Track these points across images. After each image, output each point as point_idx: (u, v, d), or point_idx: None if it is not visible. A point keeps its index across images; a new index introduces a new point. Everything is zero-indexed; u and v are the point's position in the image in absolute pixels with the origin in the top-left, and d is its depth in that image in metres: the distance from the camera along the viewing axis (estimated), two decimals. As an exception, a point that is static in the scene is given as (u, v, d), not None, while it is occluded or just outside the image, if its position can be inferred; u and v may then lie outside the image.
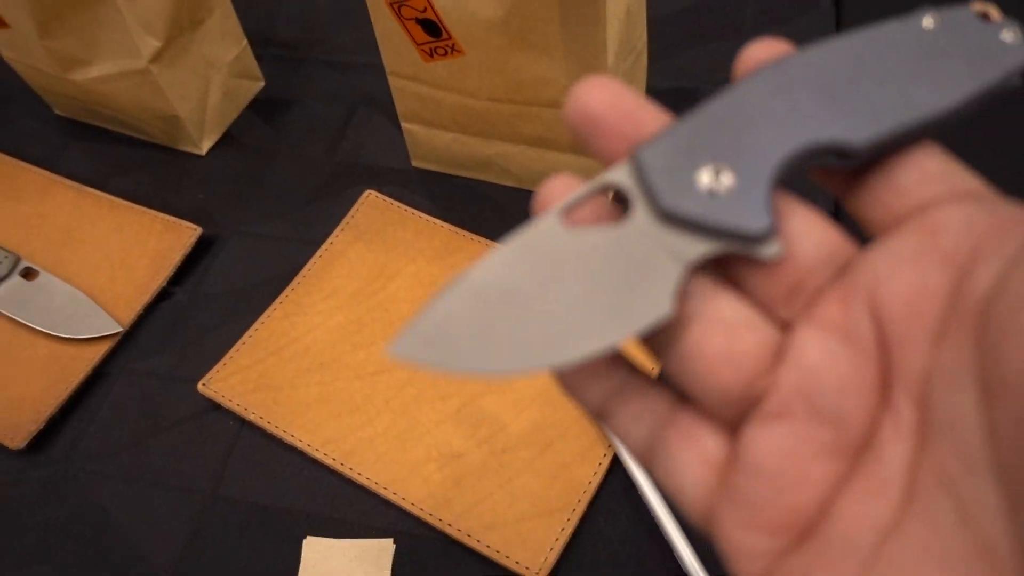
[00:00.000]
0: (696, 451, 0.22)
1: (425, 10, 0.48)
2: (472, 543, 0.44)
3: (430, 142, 0.58)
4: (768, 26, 0.63)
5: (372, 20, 0.52)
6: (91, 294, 0.55)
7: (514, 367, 0.20)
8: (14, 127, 0.66)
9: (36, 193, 0.60)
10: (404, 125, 0.58)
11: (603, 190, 0.23)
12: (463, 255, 0.54)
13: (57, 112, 0.67)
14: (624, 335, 0.21)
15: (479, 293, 0.21)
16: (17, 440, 0.48)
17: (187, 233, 0.57)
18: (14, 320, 0.53)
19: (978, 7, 0.23)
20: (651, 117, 0.23)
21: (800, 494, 0.20)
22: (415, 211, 0.56)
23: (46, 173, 0.62)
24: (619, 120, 0.23)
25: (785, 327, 0.23)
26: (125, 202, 0.60)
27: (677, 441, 0.22)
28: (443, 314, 0.21)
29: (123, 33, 0.56)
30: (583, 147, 0.24)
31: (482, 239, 0.55)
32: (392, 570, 0.43)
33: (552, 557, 0.43)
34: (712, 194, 0.21)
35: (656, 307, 0.21)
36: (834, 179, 0.24)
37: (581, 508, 0.44)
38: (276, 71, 0.67)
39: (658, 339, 0.22)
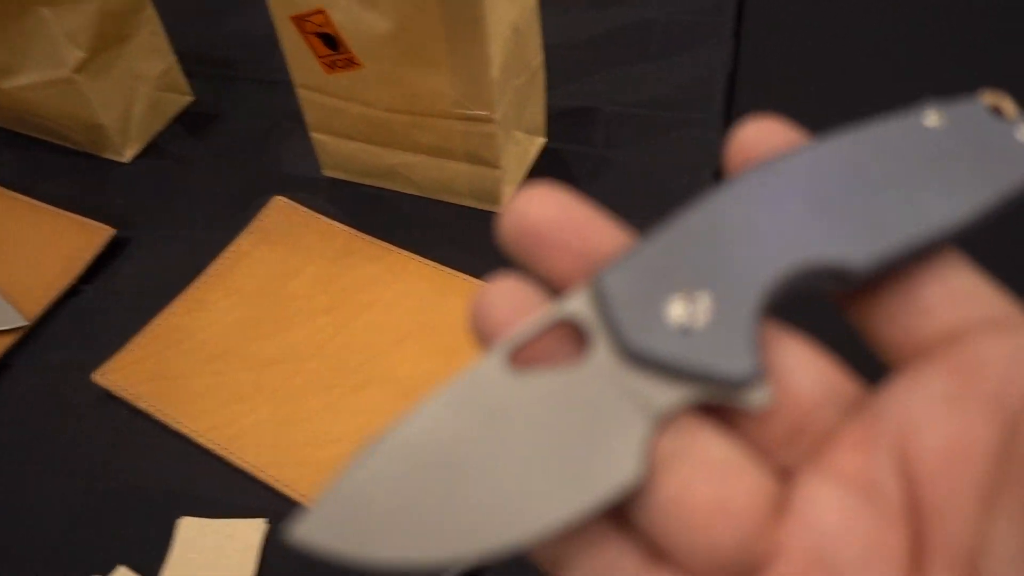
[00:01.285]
0: None
1: (324, 25, 0.48)
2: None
3: (338, 151, 0.58)
4: (672, 53, 0.64)
5: (279, 34, 0.51)
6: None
7: (447, 554, 0.16)
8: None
9: (-46, 194, 0.59)
10: (313, 135, 0.58)
11: (557, 324, 0.18)
12: (361, 256, 0.54)
13: (-16, 119, 0.66)
14: (583, 508, 0.16)
15: (405, 456, 0.16)
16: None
17: (100, 234, 0.56)
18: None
19: (990, 99, 0.19)
20: (605, 231, 0.18)
21: None
22: (319, 215, 0.56)
23: (-36, 176, 0.60)
24: (567, 235, 0.18)
25: (784, 475, 0.17)
26: (43, 204, 0.58)
27: None
28: (360, 485, 0.16)
29: (49, 43, 0.55)
30: (522, 264, 0.19)
31: (380, 242, 0.54)
32: (263, 549, 0.43)
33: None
34: (686, 330, 0.17)
35: (621, 471, 0.16)
36: (838, 293, 0.19)
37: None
38: (207, 87, 0.66)
39: None
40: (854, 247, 0.17)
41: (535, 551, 0.18)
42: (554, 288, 0.19)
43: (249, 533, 0.44)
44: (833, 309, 0.20)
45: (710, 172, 0.56)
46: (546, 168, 0.58)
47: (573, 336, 0.18)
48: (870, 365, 0.19)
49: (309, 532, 0.16)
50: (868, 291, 0.19)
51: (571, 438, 0.17)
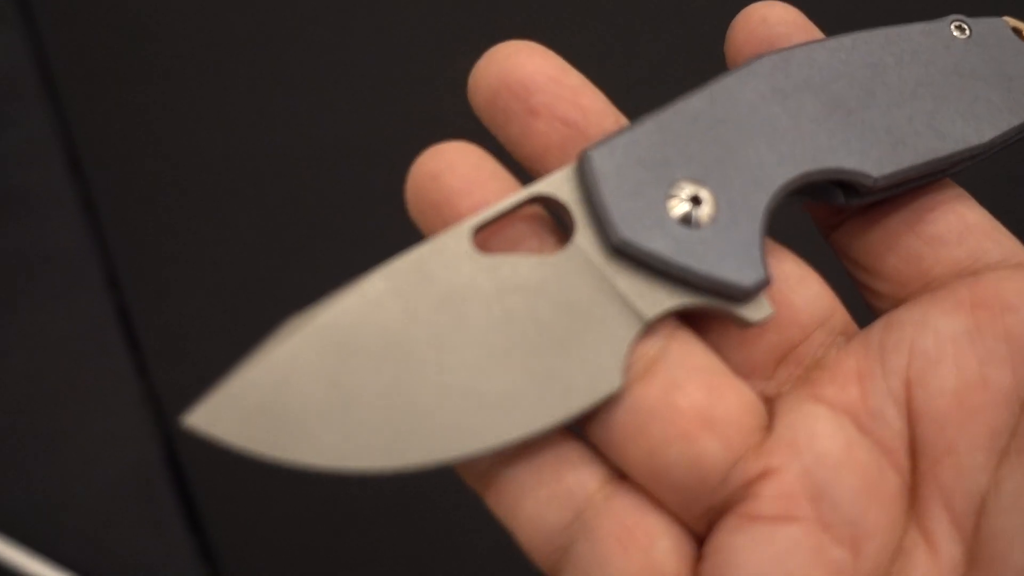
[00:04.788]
0: (642, 555, 0.14)
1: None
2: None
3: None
4: None
5: None
6: None
7: (388, 461, 0.13)
8: None
9: None
10: None
11: (534, 203, 0.15)
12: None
13: None
14: (556, 418, 0.14)
15: (341, 342, 0.14)
16: None
17: None
18: None
19: (1012, 22, 0.18)
20: (599, 104, 0.16)
21: None
22: None
23: None
24: (560, 99, 0.16)
25: (769, 403, 0.16)
26: None
27: (613, 537, 0.14)
28: (279, 370, 0.13)
29: None
30: (495, 128, 0.16)
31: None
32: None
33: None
34: (687, 227, 0.15)
35: (601, 379, 0.14)
36: (824, 214, 0.18)
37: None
38: None
39: None
40: (871, 158, 0.16)
41: (469, 469, 0.15)
42: (524, 163, 0.17)
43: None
44: (810, 242, 0.18)
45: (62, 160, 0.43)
46: None
47: (547, 227, 0.16)
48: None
49: (208, 420, 0.13)
50: (867, 218, 0.17)
51: (543, 336, 0.14)
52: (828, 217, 0.18)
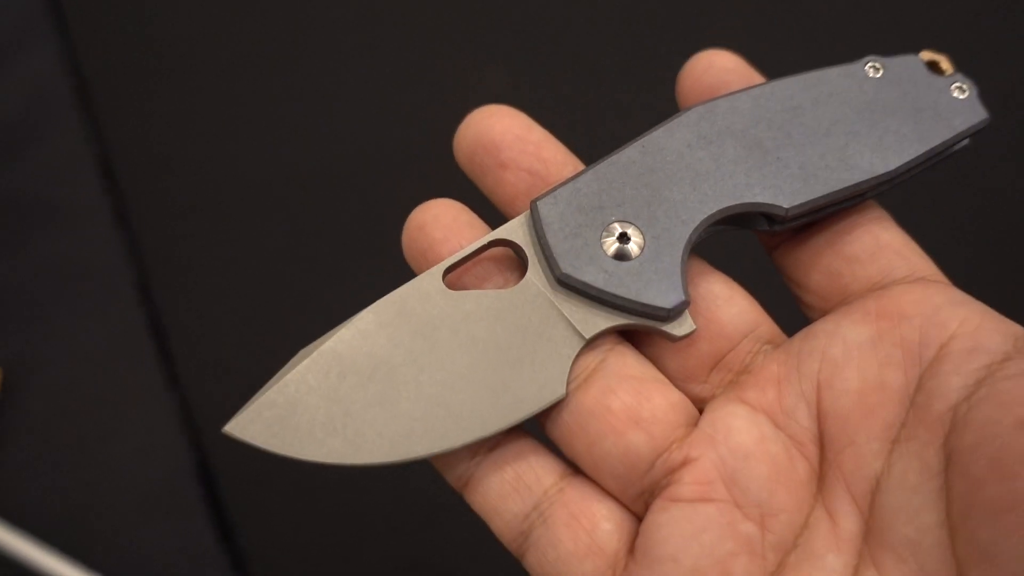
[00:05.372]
0: (586, 536, 0.17)
1: None
2: None
3: None
4: None
5: None
6: None
7: (378, 457, 0.17)
8: None
9: None
10: None
11: (494, 246, 0.18)
12: None
13: None
14: (510, 421, 0.17)
15: (341, 365, 0.17)
16: None
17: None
18: None
19: (927, 56, 0.20)
20: (559, 154, 0.19)
21: None
22: None
23: None
24: (524, 154, 0.19)
25: (698, 403, 0.18)
26: None
27: (564, 522, 0.17)
28: (294, 389, 0.17)
29: None
30: (473, 177, 0.20)
31: None
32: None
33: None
34: (618, 261, 0.17)
35: (549, 387, 0.17)
36: (765, 236, 0.20)
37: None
38: None
39: None
40: (787, 192, 0.18)
41: (447, 471, 0.18)
42: (499, 208, 0.20)
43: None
44: (761, 259, 0.21)
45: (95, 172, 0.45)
46: None
47: (510, 264, 0.19)
48: (790, 316, 0.20)
49: (241, 427, 0.17)
50: (799, 237, 0.19)
51: (503, 354, 0.17)
52: (768, 239, 0.20)
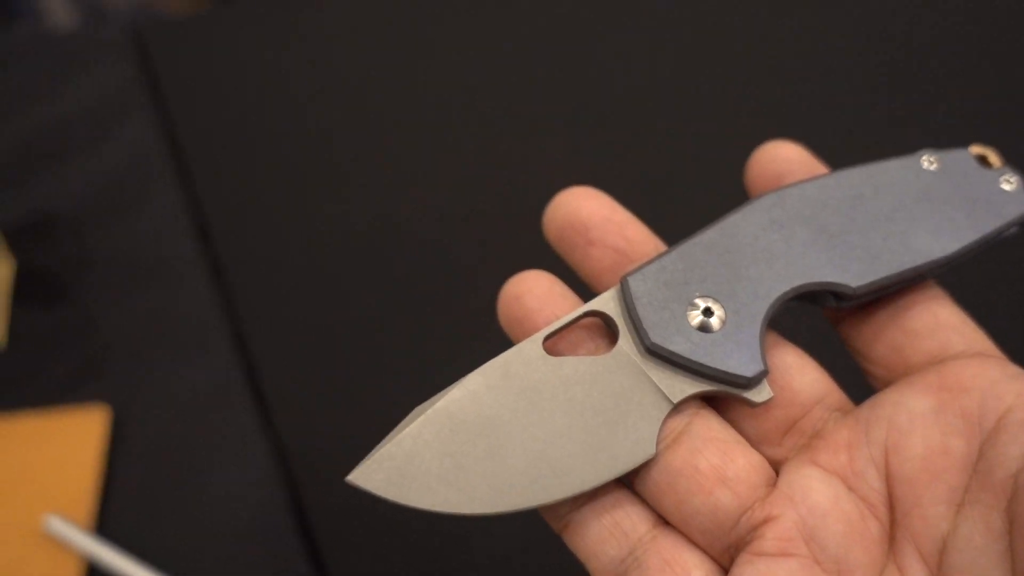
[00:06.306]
0: None
1: None
2: None
3: None
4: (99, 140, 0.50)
5: None
6: None
7: (486, 507, 0.18)
8: None
9: None
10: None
11: (590, 316, 0.20)
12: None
13: None
14: (606, 477, 0.18)
15: (452, 422, 0.19)
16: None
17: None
18: None
19: (977, 150, 0.21)
20: (641, 234, 0.21)
21: None
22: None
23: None
24: (610, 233, 0.21)
25: (775, 465, 0.20)
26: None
27: (657, 568, 0.19)
28: (411, 444, 0.18)
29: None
30: (563, 254, 0.21)
31: None
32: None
33: None
34: (702, 332, 0.19)
35: (640, 447, 0.19)
36: (831, 312, 0.21)
37: None
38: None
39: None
40: (853, 272, 0.20)
41: (550, 515, 0.20)
42: (585, 280, 0.21)
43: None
44: (828, 332, 0.22)
45: (193, 232, 0.47)
46: (27, 288, 0.45)
47: (600, 332, 0.21)
48: (855, 384, 0.22)
49: (362, 478, 0.18)
50: (863, 313, 0.21)
51: (597, 416, 0.19)
52: (834, 314, 0.22)
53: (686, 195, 0.42)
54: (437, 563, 0.35)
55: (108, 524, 0.36)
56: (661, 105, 0.49)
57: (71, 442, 0.38)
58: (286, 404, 0.39)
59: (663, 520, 0.19)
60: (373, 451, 0.18)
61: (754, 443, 0.20)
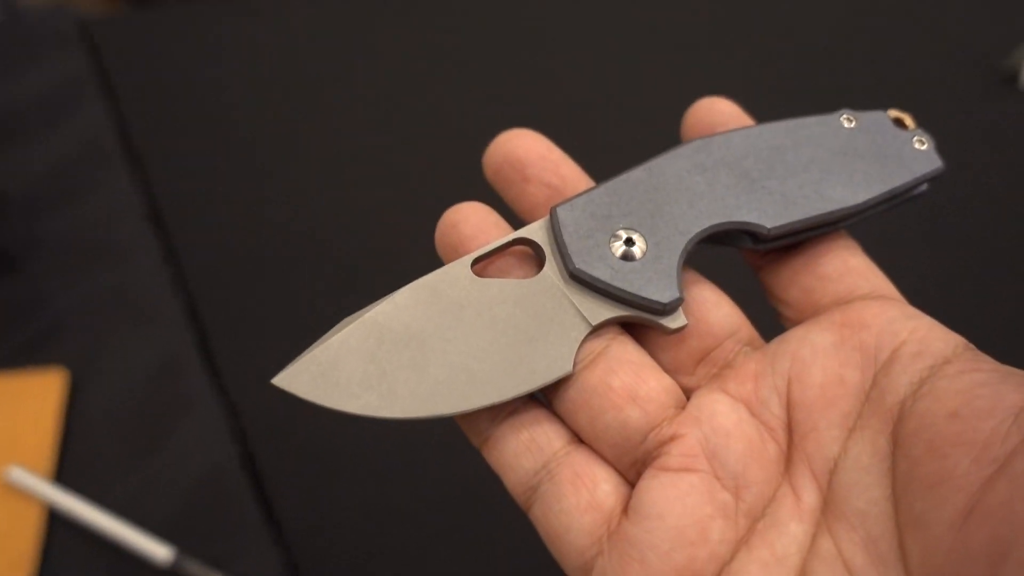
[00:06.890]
0: (587, 494, 0.19)
1: None
2: None
3: None
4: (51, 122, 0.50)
5: None
6: None
7: (407, 412, 0.19)
8: None
9: None
10: None
11: (517, 243, 0.21)
12: None
13: None
14: (523, 390, 0.19)
15: (379, 332, 0.19)
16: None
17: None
18: None
19: (894, 114, 0.22)
20: (574, 172, 0.22)
21: (698, 550, 0.18)
22: None
23: None
24: (545, 170, 0.22)
25: (689, 391, 0.21)
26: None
27: (568, 481, 0.20)
28: (337, 349, 0.19)
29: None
30: (500, 189, 0.22)
31: None
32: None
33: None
34: (623, 261, 0.20)
35: (558, 364, 0.19)
36: (752, 257, 0.23)
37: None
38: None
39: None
40: (768, 215, 0.21)
41: (470, 429, 0.21)
42: (520, 216, 0.22)
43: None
44: (745, 275, 0.24)
45: (142, 216, 0.48)
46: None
47: (528, 261, 0.22)
48: (767, 326, 0.23)
49: (287, 380, 0.19)
50: (781, 260, 0.22)
51: (519, 334, 0.20)
52: (755, 259, 0.23)
53: (623, 143, 0.43)
54: (381, 499, 0.36)
55: (67, 477, 0.37)
56: (606, 71, 0.51)
57: (30, 402, 0.39)
58: (236, 367, 0.40)
59: (578, 439, 0.20)
60: (300, 356, 0.19)
61: (669, 372, 0.21)
